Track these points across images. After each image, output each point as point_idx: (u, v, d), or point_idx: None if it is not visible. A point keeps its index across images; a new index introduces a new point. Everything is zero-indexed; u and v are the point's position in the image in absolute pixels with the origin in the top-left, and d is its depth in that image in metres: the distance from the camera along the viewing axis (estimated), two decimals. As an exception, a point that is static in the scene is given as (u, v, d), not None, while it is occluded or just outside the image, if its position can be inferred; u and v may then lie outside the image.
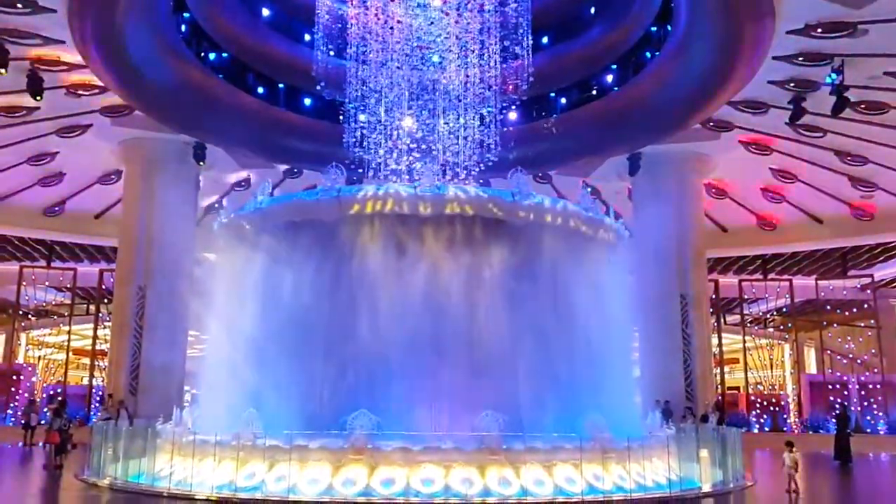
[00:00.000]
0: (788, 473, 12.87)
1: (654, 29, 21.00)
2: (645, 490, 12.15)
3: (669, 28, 20.15)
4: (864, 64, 18.81)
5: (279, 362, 13.65)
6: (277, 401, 13.13)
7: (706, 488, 13.24)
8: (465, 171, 17.31)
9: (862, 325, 34.21)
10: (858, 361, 34.08)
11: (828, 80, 19.20)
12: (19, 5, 17.19)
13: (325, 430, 12.50)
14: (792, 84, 20.33)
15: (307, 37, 21.10)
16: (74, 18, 17.71)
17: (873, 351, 32.55)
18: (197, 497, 11.62)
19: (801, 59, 19.07)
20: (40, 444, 19.86)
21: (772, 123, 22.64)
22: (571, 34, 22.92)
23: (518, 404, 13.09)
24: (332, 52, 17.66)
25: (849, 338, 35.04)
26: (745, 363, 32.44)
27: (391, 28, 16.86)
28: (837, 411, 23.66)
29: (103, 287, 31.00)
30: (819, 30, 17.73)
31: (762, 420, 28.95)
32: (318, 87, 17.91)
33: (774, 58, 19.12)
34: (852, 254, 32.06)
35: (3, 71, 18.53)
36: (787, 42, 18.41)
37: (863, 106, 20.69)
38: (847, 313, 34.12)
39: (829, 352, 34.57)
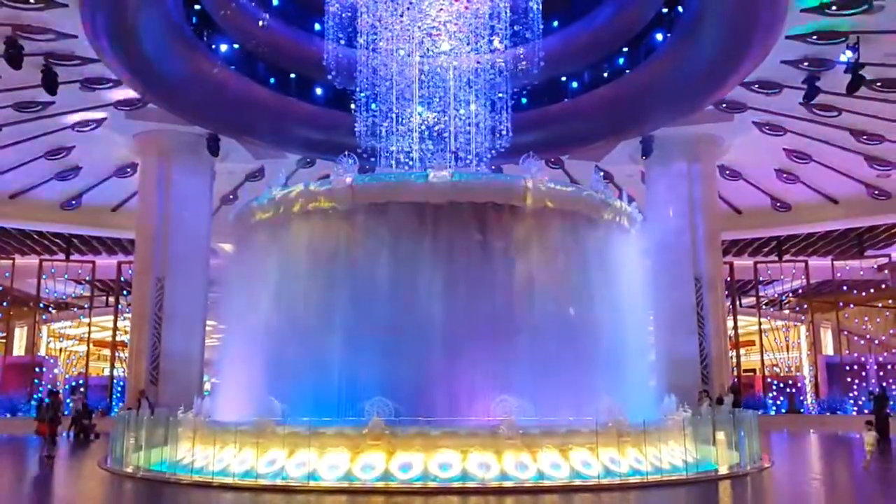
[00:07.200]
0: (869, 451, 13.66)
1: (665, 10, 20.82)
2: (661, 473, 12.20)
3: (681, 8, 19.97)
4: (881, 41, 18.55)
5: (297, 350, 13.81)
6: (295, 388, 13.30)
7: (723, 471, 13.26)
8: (476, 158, 17.34)
9: (879, 305, 33.95)
10: (876, 342, 33.85)
11: (843, 58, 18.98)
12: (32, 1, 17.33)
13: (342, 416, 12.66)
14: (806, 63, 20.10)
15: (317, 26, 21.14)
16: (86, 12, 17.82)
17: (892, 331, 32.34)
18: (219, 484, 11.79)
19: (815, 37, 18.84)
20: (64, 433, 20.20)
21: (786, 104, 22.43)
22: (582, 16, 22.77)
23: (534, 388, 13.14)
24: (342, 41, 17.66)
25: (866, 318, 34.81)
26: (761, 345, 32.34)
27: (401, 15, 16.84)
28: (876, 392, 23.53)
29: (122, 279, 31.38)
30: (834, 7, 17.49)
31: (778, 402, 28.88)
32: (329, 77, 17.95)
33: (788, 37, 18.90)
34: (868, 234, 31.80)
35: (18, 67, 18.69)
36: (801, 20, 18.19)
37: (879, 84, 20.41)
38: (864, 294, 33.89)
39: (846, 333, 34.36)
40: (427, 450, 11.62)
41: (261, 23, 21.00)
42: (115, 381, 29.35)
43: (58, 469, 14.98)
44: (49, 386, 27.83)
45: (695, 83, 21.19)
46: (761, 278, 33.31)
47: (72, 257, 32.71)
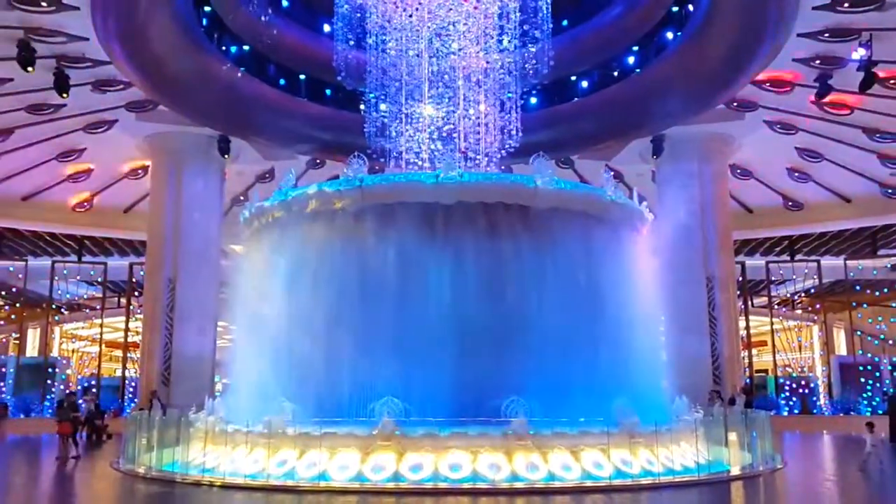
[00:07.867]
0: (870, 451, 13.83)
1: (675, 9, 20.71)
2: (673, 474, 12.14)
3: (691, 7, 19.86)
4: (893, 38, 18.40)
5: (307, 350, 13.83)
6: (306, 388, 13.32)
7: (735, 471, 13.20)
8: (486, 158, 17.30)
9: (893, 305, 33.64)
10: (890, 342, 33.56)
11: (855, 55, 18.82)
12: (44, 3, 17.43)
13: (353, 417, 12.67)
14: (818, 61, 19.96)
15: (327, 27, 21.17)
16: (97, 15, 17.92)
17: (905, 331, 32.07)
18: (230, 485, 11.82)
19: (827, 35, 18.70)
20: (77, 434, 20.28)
21: (797, 102, 22.27)
22: (591, 16, 22.68)
23: (545, 389, 13.10)
24: (351, 43, 17.68)
25: (880, 318, 34.51)
26: (773, 345, 32.13)
27: (410, 16, 16.84)
28: (891, 392, 23.33)
29: (133, 280, 31.55)
30: (846, 4, 17.36)
31: (791, 402, 28.69)
32: (339, 78, 17.96)
33: (800, 35, 18.77)
34: (882, 233, 31.52)
35: (30, 69, 18.81)
36: (813, 17, 18.05)
37: (892, 81, 20.26)
38: (877, 293, 33.60)
39: (859, 333, 34.07)
40: (437, 451, 11.62)
41: (267, 33, 21.05)
42: (126, 381, 29.51)
43: (70, 470, 15.05)
44: (62, 388, 28.04)
45: (705, 82, 21.07)
46: (773, 278, 33.09)
47: (84, 259, 32.88)
